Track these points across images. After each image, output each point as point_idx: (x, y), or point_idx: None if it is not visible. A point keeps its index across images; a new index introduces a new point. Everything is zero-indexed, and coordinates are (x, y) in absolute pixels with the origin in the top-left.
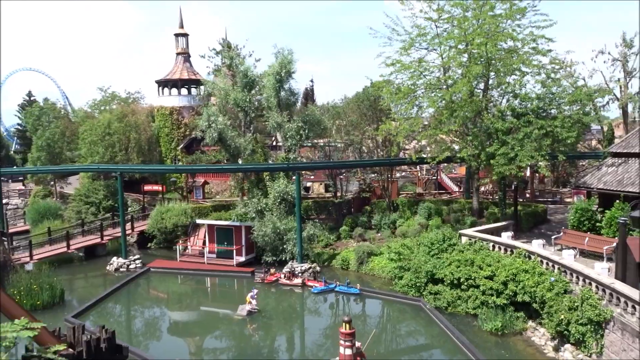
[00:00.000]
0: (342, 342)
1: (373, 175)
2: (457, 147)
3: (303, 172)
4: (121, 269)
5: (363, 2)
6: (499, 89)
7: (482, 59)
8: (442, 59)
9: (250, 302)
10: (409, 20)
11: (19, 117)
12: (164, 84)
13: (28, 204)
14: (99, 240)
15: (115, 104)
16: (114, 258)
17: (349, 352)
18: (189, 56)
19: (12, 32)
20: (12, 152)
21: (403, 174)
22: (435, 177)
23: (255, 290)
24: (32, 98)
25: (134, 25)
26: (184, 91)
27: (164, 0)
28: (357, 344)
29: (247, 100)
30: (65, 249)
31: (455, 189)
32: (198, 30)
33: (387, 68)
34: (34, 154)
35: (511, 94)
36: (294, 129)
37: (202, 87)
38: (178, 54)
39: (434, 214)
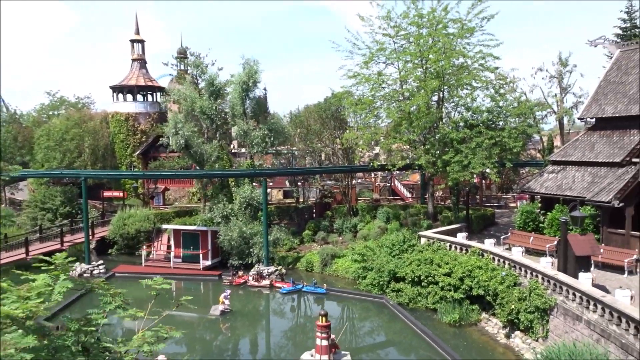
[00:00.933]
0: (318, 334)
1: (330, 182)
2: (411, 155)
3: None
4: (84, 275)
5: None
6: (451, 102)
7: (437, 74)
8: (400, 72)
9: (223, 303)
10: (369, 36)
11: None
12: (119, 89)
13: None
14: (59, 246)
15: (64, 109)
16: (77, 264)
17: (325, 343)
18: (145, 62)
19: None
20: None
21: (359, 181)
22: (389, 184)
23: (228, 291)
24: None
25: (69, 26)
26: (139, 97)
27: (99, 1)
28: (332, 336)
29: (213, 108)
30: (24, 256)
31: (408, 195)
32: (145, 34)
33: (348, 80)
34: None
35: (463, 107)
36: (260, 136)
37: (160, 94)
38: (134, 60)
39: (392, 218)
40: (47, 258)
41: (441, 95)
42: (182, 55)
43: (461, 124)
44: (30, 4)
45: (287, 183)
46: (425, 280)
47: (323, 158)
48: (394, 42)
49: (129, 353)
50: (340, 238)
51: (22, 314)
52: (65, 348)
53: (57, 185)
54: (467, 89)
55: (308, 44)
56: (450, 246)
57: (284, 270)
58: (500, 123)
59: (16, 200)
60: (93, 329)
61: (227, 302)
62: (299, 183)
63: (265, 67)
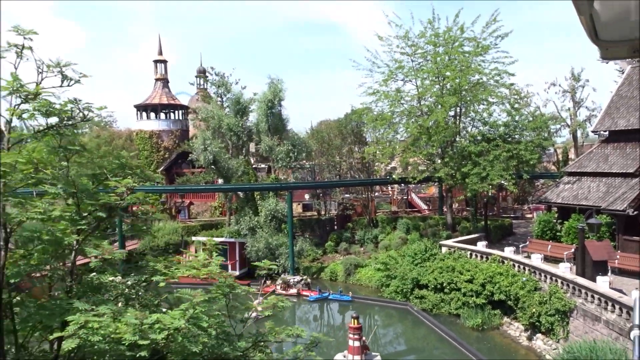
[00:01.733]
0: (350, 335)
1: (348, 195)
2: (429, 168)
3: (281, 192)
4: None
5: (318, 25)
6: (468, 117)
7: (454, 91)
8: (418, 89)
9: (256, 309)
10: (387, 55)
11: None
12: (143, 108)
13: None
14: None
15: (87, 127)
16: None
17: (357, 344)
18: (168, 81)
19: None
20: None
21: (377, 194)
22: (406, 197)
23: (261, 299)
24: None
25: (78, 45)
26: (162, 115)
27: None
28: (363, 338)
29: (240, 125)
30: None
31: (425, 207)
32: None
33: (368, 97)
34: None
35: (480, 121)
36: (284, 151)
37: (181, 112)
38: (157, 79)
39: (412, 228)
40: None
41: (458, 110)
42: (202, 74)
43: (479, 137)
44: (40, 23)
45: (306, 196)
46: (448, 287)
47: (342, 172)
48: (411, 60)
49: None
50: (362, 249)
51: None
52: None
53: None
54: (483, 104)
55: (318, 59)
56: (470, 254)
57: (309, 280)
58: (517, 136)
59: None
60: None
61: (260, 308)
62: (319, 196)
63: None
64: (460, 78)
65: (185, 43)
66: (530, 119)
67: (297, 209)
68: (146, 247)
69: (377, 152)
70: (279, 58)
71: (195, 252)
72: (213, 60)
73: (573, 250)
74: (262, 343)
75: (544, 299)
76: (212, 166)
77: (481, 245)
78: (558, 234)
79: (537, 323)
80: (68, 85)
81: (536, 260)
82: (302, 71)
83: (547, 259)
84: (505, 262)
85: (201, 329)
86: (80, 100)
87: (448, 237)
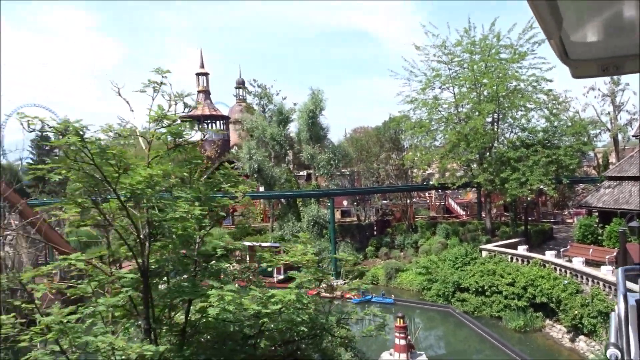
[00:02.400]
0: (396, 334)
1: (385, 201)
2: (468, 174)
3: (321, 199)
4: None
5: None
6: (505, 123)
7: (492, 98)
8: (455, 96)
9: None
10: (424, 64)
11: (31, 153)
12: (187, 119)
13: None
14: None
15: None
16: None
17: (403, 342)
18: (209, 93)
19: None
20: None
21: (414, 199)
22: (443, 203)
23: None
24: (44, 134)
25: (117, 59)
26: (205, 126)
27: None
28: (408, 337)
29: (282, 134)
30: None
31: (462, 212)
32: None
33: (406, 105)
34: (71, 187)
35: (519, 127)
36: (325, 159)
37: (222, 122)
38: (199, 91)
39: (452, 233)
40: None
41: (495, 117)
42: (241, 85)
43: (517, 143)
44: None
45: (344, 203)
46: (489, 290)
47: (380, 178)
48: (448, 69)
49: None
50: (402, 253)
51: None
52: None
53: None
54: (521, 111)
55: (349, 68)
56: (511, 258)
57: (352, 283)
58: (556, 141)
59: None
60: None
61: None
62: (357, 203)
63: (306, 92)
64: (497, 85)
65: (220, 55)
66: (569, 124)
67: (336, 215)
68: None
69: (416, 158)
70: (311, 68)
71: (241, 257)
72: (248, 72)
73: (615, 253)
74: (344, 320)
75: (586, 301)
76: (256, 174)
77: (522, 249)
78: (599, 237)
79: (579, 325)
80: (188, 111)
81: (577, 263)
82: (334, 79)
83: (588, 262)
84: (547, 265)
85: (303, 303)
86: (199, 123)
87: (488, 242)
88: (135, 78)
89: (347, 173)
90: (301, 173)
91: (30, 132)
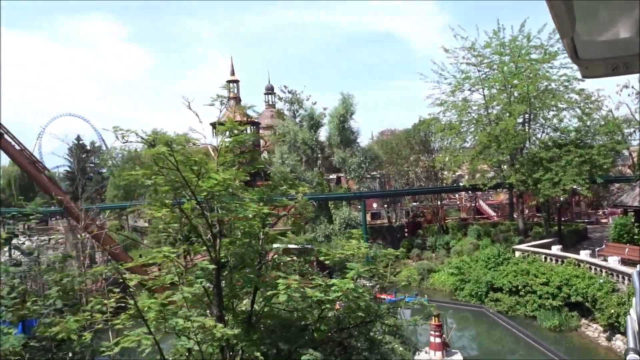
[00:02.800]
0: (432, 332)
1: (414, 203)
2: (500, 175)
3: (352, 201)
4: None
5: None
6: (537, 123)
7: (522, 99)
8: (485, 98)
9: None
10: (453, 66)
11: (68, 160)
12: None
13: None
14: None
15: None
16: None
17: (438, 340)
18: (240, 100)
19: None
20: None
21: (445, 201)
22: (474, 204)
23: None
24: (80, 142)
25: (144, 68)
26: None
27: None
28: (443, 335)
29: (313, 139)
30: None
31: (493, 214)
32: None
33: (435, 107)
34: (110, 192)
35: (550, 127)
36: (356, 162)
37: (252, 128)
38: (230, 98)
39: (483, 234)
40: None
41: (526, 117)
42: (270, 91)
43: (549, 143)
44: (109, 50)
45: (374, 205)
46: (523, 290)
47: (410, 180)
48: (477, 70)
49: None
50: (434, 254)
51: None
52: None
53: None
54: (553, 111)
55: (375, 70)
56: (545, 258)
57: (385, 284)
58: (589, 141)
59: (138, 227)
60: None
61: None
62: (387, 205)
63: (334, 95)
64: (528, 86)
65: (247, 62)
66: (602, 123)
67: (367, 217)
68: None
69: (447, 160)
70: (335, 72)
71: (272, 258)
72: (274, 78)
73: None
74: (393, 309)
75: (622, 299)
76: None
77: (555, 249)
78: (635, 237)
79: (615, 324)
80: (252, 123)
81: (613, 262)
82: (358, 82)
83: (624, 261)
84: (581, 265)
85: (359, 292)
86: (258, 132)
87: (520, 242)
88: (165, 86)
89: (378, 176)
90: (331, 176)
91: (124, 143)
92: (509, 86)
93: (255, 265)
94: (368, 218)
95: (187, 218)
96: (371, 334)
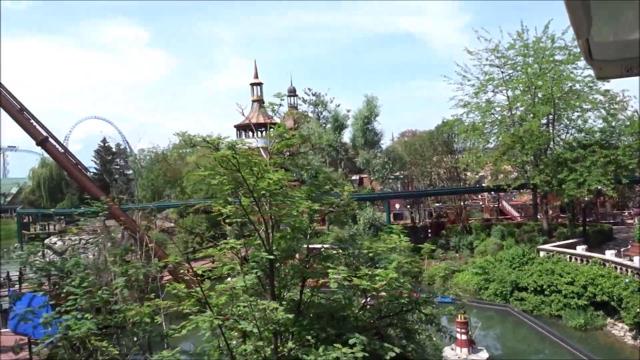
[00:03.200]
0: (458, 329)
1: (438, 204)
2: (524, 175)
3: (375, 202)
4: None
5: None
6: (561, 124)
7: (547, 100)
8: (509, 99)
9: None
10: (477, 68)
11: (94, 162)
12: (243, 127)
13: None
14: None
15: (190, 147)
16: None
17: (464, 337)
18: (263, 102)
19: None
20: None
21: (468, 202)
22: (497, 205)
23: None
24: (106, 144)
25: (167, 71)
26: (259, 134)
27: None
28: (469, 332)
29: (337, 140)
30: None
31: (516, 214)
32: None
33: (459, 109)
34: (139, 193)
35: (575, 128)
36: (380, 163)
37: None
38: (254, 101)
39: (507, 235)
40: None
41: (550, 118)
42: (292, 93)
43: (574, 144)
44: (131, 54)
45: (396, 206)
46: (548, 289)
47: (433, 181)
48: (501, 72)
49: None
50: (458, 254)
51: None
52: None
53: (202, 213)
54: (577, 112)
55: (395, 71)
56: (570, 258)
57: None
58: (614, 141)
59: (164, 227)
60: None
61: None
62: (411, 205)
63: (354, 97)
64: (552, 87)
65: (268, 64)
66: (628, 123)
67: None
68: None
69: (470, 161)
70: (356, 73)
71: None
72: (295, 79)
73: None
74: (429, 299)
75: None
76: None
77: (580, 249)
78: None
79: None
80: (298, 128)
81: (639, 262)
82: (379, 83)
83: None
84: (607, 264)
85: (400, 282)
86: (309, 137)
87: (545, 243)
88: (185, 89)
89: (401, 177)
90: (353, 177)
91: (192, 147)
92: (533, 87)
93: (304, 258)
94: (391, 218)
95: (246, 214)
96: (408, 323)
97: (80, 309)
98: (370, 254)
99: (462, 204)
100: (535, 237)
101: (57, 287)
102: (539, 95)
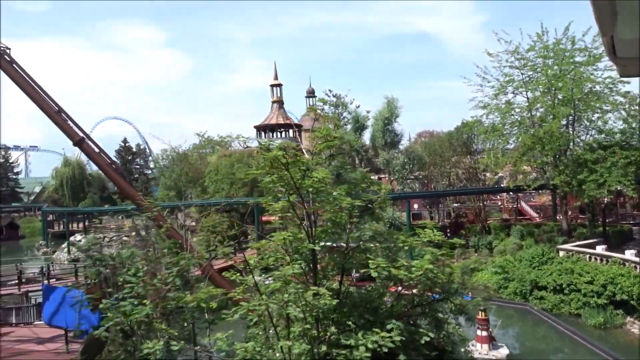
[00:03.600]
0: (479, 326)
1: (456, 204)
2: (544, 176)
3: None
4: None
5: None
6: (581, 125)
7: (567, 101)
8: (529, 100)
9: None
10: (497, 70)
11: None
12: (262, 128)
13: None
14: (232, 262)
15: (210, 147)
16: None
17: (484, 333)
18: (283, 103)
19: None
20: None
21: (486, 202)
22: (516, 205)
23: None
24: (127, 144)
25: (184, 71)
26: (278, 134)
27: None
28: (489, 329)
29: (358, 141)
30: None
31: (535, 215)
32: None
33: (479, 110)
34: (162, 192)
35: (595, 130)
36: (400, 164)
37: (294, 130)
38: (274, 102)
39: (527, 235)
40: None
41: (570, 119)
42: (311, 94)
43: (594, 145)
44: (151, 55)
45: (415, 206)
46: (567, 288)
47: (452, 181)
48: (521, 74)
49: None
50: (477, 254)
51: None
52: None
53: (224, 212)
54: (597, 113)
55: (410, 71)
56: (589, 257)
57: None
58: (634, 142)
59: (185, 226)
60: None
61: None
62: (430, 205)
63: (367, 97)
64: (572, 88)
65: (284, 63)
66: None
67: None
68: None
69: (490, 162)
70: (371, 72)
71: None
72: (313, 80)
73: None
74: (459, 290)
75: None
76: (336, 179)
77: (600, 249)
78: None
79: None
80: (338, 128)
81: None
82: (395, 83)
83: None
84: (627, 264)
85: (434, 273)
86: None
87: (564, 243)
88: (201, 90)
89: (419, 177)
90: (373, 177)
91: (245, 148)
92: (553, 89)
93: (342, 250)
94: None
95: (294, 209)
96: (438, 313)
97: (137, 296)
98: (406, 247)
99: (481, 204)
100: (555, 237)
101: (107, 280)
102: (559, 96)
